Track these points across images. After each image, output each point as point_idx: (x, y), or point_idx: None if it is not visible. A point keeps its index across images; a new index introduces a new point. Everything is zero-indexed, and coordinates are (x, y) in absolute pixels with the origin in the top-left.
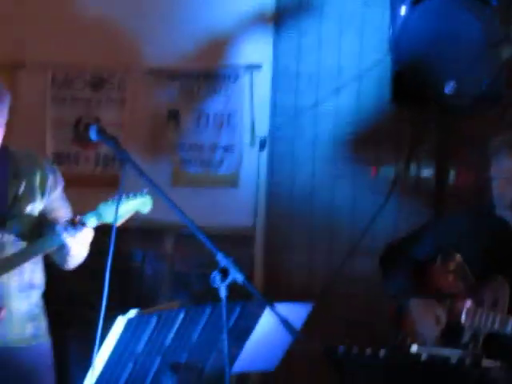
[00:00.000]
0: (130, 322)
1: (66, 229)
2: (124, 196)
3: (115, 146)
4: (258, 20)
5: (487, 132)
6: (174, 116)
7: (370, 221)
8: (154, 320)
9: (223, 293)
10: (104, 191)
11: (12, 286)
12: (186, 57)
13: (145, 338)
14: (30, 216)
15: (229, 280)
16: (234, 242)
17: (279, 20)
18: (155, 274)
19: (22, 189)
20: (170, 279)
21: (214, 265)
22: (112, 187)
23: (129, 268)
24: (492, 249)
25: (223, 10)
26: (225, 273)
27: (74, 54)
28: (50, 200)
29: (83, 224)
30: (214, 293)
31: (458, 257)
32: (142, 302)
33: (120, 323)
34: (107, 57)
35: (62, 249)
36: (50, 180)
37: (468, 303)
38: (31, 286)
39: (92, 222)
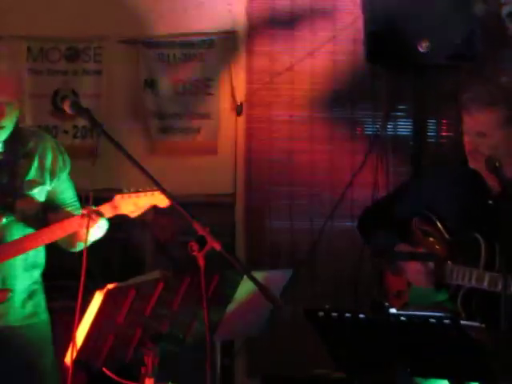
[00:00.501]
0: (108, 294)
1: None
2: (141, 190)
3: (89, 119)
4: None
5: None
6: (150, 85)
7: (349, 182)
8: (132, 292)
9: (201, 261)
10: (82, 163)
11: (18, 265)
12: (160, 25)
13: (124, 310)
14: (37, 198)
15: (206, 249)
16: (215, 209)
17: None
18: (138, 243)
19: (31, 170)
20: (152, 248)
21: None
22: (90, 159)
23: (112, 239)
24: (467, 205)
25: None
26: (202, 241)
27: (48, 26)
28: (58, 182)
29: (100, 215)
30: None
31: (434, 219)
32: (127, 271)
33: (98, 297)
34: (82, 28)
35: (73, 236)
36: (60, 161)
37: (448, 264)
38: (35, 265)
39: (108, 213)
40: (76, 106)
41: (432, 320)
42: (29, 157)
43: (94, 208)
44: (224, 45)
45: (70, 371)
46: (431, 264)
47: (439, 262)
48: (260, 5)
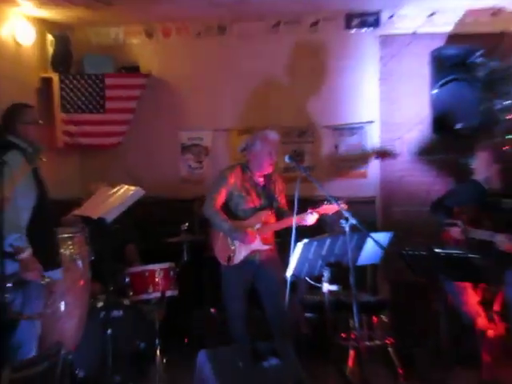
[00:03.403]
0: (305, 245)
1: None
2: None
3: (296, 163)
4: (369, 91)
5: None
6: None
7: None
8: (314, 243)
9: (347, 229)
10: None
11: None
12: (338, 117)
13: (312, 251)
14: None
15: (350, 223)
16: (367, 204)
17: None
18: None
19: (277, 187)
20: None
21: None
22: None
23: None
24: (477, 201)
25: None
26: (347, 219)
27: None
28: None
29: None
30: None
31: (465, 208)
32: None
33: (300, 245)
34: (302, 118)
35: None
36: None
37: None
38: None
39: (321, 211)
40: (292, 158)
41: (457, 254)
42: (273, 182)
43: (317, 209)
44: (368, 130)
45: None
46: (462, 229)
47: (466, 226)
48: (386, 102)
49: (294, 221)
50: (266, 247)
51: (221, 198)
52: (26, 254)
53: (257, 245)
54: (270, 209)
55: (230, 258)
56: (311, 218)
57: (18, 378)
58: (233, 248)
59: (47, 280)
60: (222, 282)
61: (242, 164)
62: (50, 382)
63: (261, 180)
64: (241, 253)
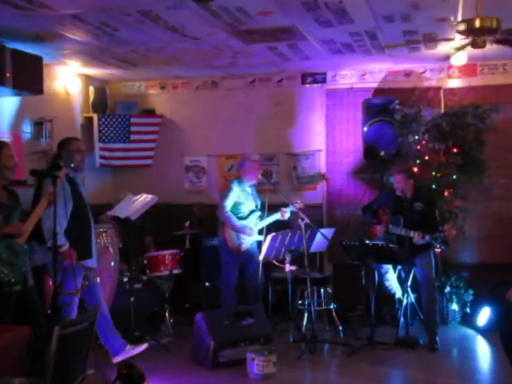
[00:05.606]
0: (272, 237)
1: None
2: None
3: (266, 180)
4: (318, 129)
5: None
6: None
7: None
8: (279, 236)
9: (302, 226)
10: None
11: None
12: (296, 146)
13: (278, 241)
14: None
15: (304, 221)
16: (316, 208)
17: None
18: None
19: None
20: None
21: None
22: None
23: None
24: (396, 204)
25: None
26: (303, 219)
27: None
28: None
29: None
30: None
31: (386, 209)
32: None
33: (269, 237)
34: (262, 146)
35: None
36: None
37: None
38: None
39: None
40: (264, 175)
41: (381, 244)
42: (254, 191)
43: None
44: (318, 155)
45: None
46: (384, 226)
47: (387, 224)
48: (331, 135)
49: (266, 220)
50: (258, 238)
51: (229, 204)
52: (65, 247)
53: (254, 237)
54: (257, 211)
55: (239, 247)
56: (286, 215)
57: (66, 334)
58: (242, 240)
59: (81, 266)
60: (223, 262)
61: (237, 179)
62: (89, 336)
63: (249, 190)
64: (247, 242)
